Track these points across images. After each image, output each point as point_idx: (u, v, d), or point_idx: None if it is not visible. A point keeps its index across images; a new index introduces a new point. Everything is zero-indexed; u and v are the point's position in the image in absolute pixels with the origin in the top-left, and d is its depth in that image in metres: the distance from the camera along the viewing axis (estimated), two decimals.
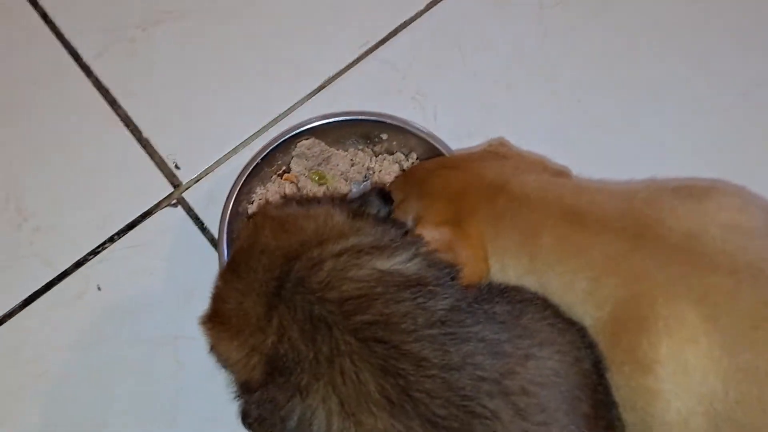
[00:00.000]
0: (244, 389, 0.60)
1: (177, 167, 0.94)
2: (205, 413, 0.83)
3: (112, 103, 0.97)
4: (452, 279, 0.59)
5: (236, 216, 0.81)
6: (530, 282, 0.63)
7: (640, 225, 0.60)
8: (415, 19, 1.02)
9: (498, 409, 0.52)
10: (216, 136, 0.96)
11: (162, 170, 0.94)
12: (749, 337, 0.54)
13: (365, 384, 0.53)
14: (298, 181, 0.86)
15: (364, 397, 0.52)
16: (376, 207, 0.67)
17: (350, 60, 0.99)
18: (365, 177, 0.88)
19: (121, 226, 0.91)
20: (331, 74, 0.99)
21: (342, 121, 0.85)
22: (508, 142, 0.81)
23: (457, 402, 0.52)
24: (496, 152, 0.77)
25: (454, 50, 1.00)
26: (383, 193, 0.69)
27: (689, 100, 0.97)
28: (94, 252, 0.90)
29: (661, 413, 0.56)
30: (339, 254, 0.58)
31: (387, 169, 0.86)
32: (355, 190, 0.87)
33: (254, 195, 0.85)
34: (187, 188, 0.93)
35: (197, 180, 0.94)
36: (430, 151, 0.85)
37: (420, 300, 0.56)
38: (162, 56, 1.00)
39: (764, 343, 0.54)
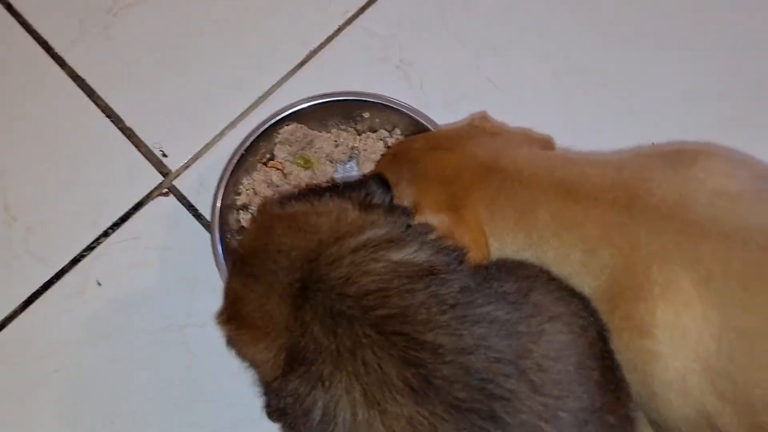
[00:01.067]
0: (269, 388, 0.62)
1: (164, 155, 0.93)
2: (221, 398, 0.85)
3: (91, 93, 0.95)
4: (460, 263, 0.61)
5: (226, 209, 0.82)
6: (527, 257, 0.65)
7: (630, 196, 0.61)
8: None
9: (515, 389, 0.54)
10: (201, 120, 0.94)
11: (149, 159, 0.93)
12: (740, 298, 0.56)
13: (387, 374, 0.54)
14: (284, 167, 0.86)
15: (388, 386, 0.54)
16: (380, 196, 0.67)
17: (331, 31, 0.97)
18: (350, 157, 0.87)
19: (115, 219, 0.91)
20: (314, 47, 0.97)
21: (322, 103, 0.84)
22: (489, 116, 0.81)
23: (476, 385, 0.54)
24: (482, 128, 0.76)
25: (437, 14, 0.98)
26: (382, 180, 0.69)
27: (683, 56, 0.96)
28: (90, 248, 0.90)
29: (660, 373, 0.59)
30: (356, 249, 0.59)
31: (371, 147, 0.86)
32: (341, 171, 0.87)
33: (241, 186, 0.85)
34: (176, 176, 0.93)
35: (186, 167, 0.93)
36: (413, 125, 0.84)
37: (432, 289, 0.57)
38: (138, 41, 0.97)
39: (754, 303, 0.56)
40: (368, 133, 0.88)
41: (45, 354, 0.87)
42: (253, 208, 0.85)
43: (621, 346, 0.61)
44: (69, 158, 0.93)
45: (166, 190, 0.92)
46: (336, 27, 0.97)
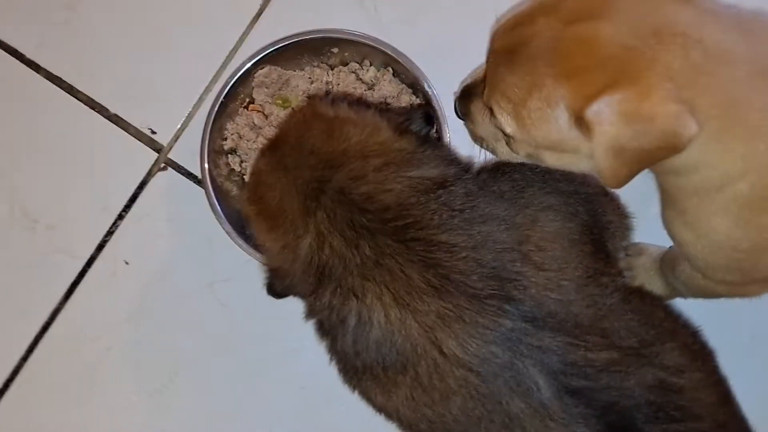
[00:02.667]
0: (273, 273, 0.70)
1: (153, 132, 0.97)
2: (258, 338, 0.93)
3: (70, 90, 0.99)
4: (466, 171, 0.68)
5: (214, 154, 0.88)
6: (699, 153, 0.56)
7: None
8: None
9: (522, 270, 0.62)
10: (179, 90, 0.97)
11: (141, 140, 0.97)
12: None
13: (411, 277, 0.62)
14: (264, 109, 0.90)
15: (413, 289, 0.61)
16: (418, 126, 0.72)
17: None
18: (326, 92, 0.91)
19: (124, 202, 0.96)
20: None
21: (290, 44, 0.87)
22: None
23: (488, 274, 0.62)
24: None
25: None
26: (427, 116, 0.74)
27: None
28: (110, 232, 0.96)
29: None
30: (379, 169, 0.65)
31: (344, 80, 0.89)
32: None
33: (226, 131, 0.90)
34: (169, 149, 0.97)
35: (176, 138, 0.97)
36: (382, 54, 0.87)
37: (443, 198, 0.64)
38: (100, 29, 0.99)
39: None
40: (340, 67, 0.90)
41: (95, 337, 0.94)
42: (240, 152, 0.90)
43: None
44: (68, 156, 0.97)
45: (164, 164, 0.97)
46: None
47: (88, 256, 0.96)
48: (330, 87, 0.90)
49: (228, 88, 0.86)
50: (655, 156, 0.55)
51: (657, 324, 0.66)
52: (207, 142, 0.85)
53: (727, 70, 0.55)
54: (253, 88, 0.89)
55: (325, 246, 0.64)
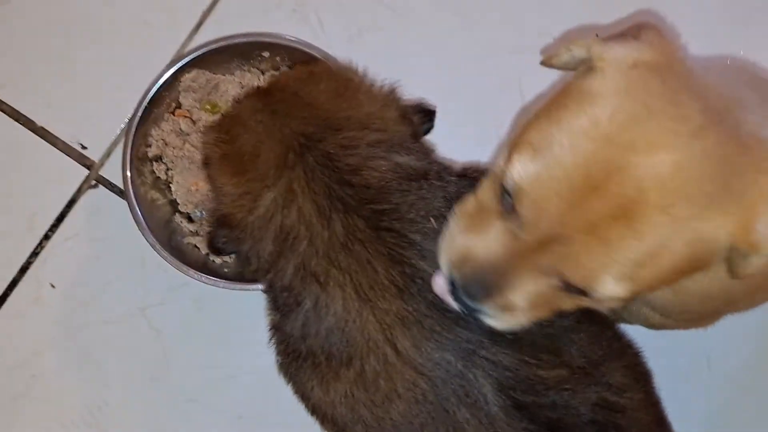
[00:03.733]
0: (222, 220, 0.64)
1: (84, 147, 0.92)
2: (194, 364, 0.87)
3: None
4: (450, 173, 0.65)
5: (139, 161, 0.83)
6: None
7: None
8: None
9: None
10: (112, 103, 0.92)
11: (70, 155, 0.92)
12: None
13: (377, 271, 0.59)
14: (191, 114, 0.86)
15: (377, 284, 0.59)
16: (420, 119, 0.69)
17: None
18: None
19: (51, 221, 0.91)
20: (207, 5, 0.95)
21: (217, 48, 0.83)
22: (657, 29, 0.52)
23: None
24: (662, 56, 0.50)
25: None
26: (430, 113, 0.71)
27: None
28: (35, 254, 0.90)
29: None
30: (372, 144, 0.62)
31: None
32: None
33: (151, 138, 0.85)
34: (101, 166, 0.92)
35: (108, 154, 0.92)
36: (314, 59, 0.83)
37: (423, 191, 0.62)
38: (26, 33, 0.94)
39: None
40: (272, 72, 0.87)
41: (17, 364, 0.88)
42: (166, 159, 0.86)
43: None
44: None
45: (94, 182, 0.92)
46: None
47: (10, 279, 0.90)
48: None
49: (153, 92, 0.82)
50: None
51: (605, 345, 0.64)
52: (130, 148, 0.81)
53: None
54: (180, 92, 0.85)
55: (293, 207, 0.60)
